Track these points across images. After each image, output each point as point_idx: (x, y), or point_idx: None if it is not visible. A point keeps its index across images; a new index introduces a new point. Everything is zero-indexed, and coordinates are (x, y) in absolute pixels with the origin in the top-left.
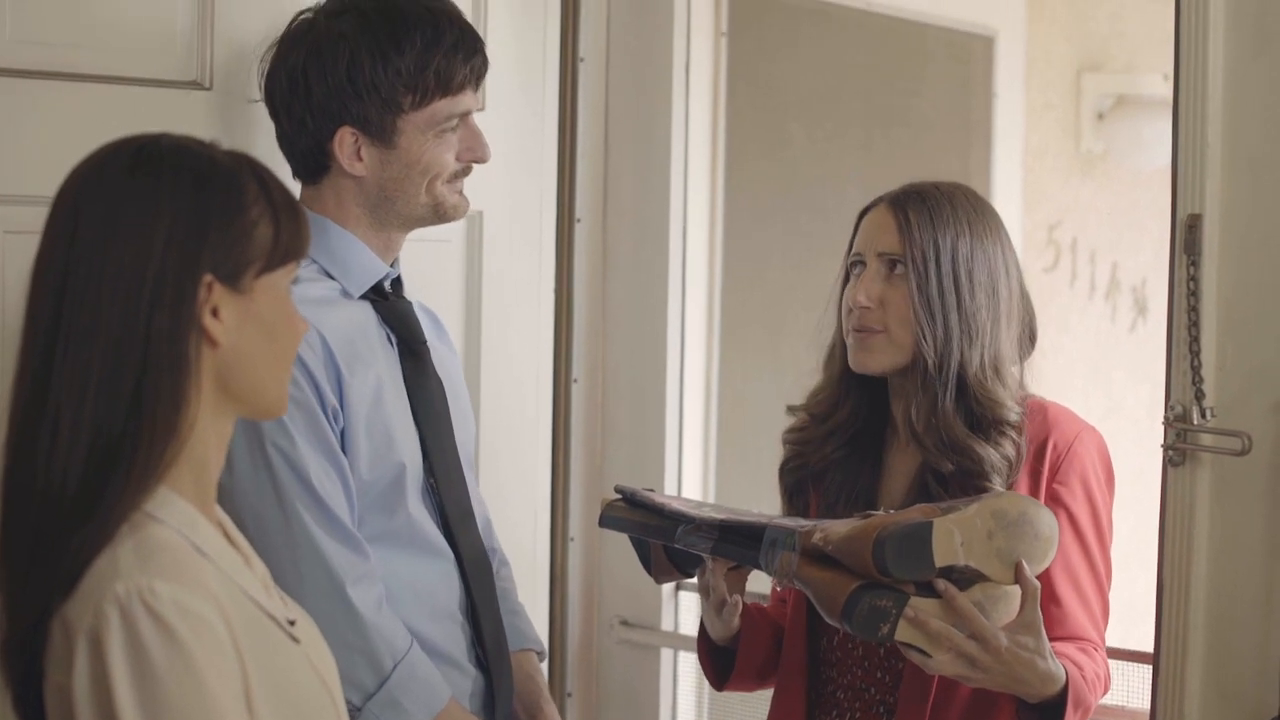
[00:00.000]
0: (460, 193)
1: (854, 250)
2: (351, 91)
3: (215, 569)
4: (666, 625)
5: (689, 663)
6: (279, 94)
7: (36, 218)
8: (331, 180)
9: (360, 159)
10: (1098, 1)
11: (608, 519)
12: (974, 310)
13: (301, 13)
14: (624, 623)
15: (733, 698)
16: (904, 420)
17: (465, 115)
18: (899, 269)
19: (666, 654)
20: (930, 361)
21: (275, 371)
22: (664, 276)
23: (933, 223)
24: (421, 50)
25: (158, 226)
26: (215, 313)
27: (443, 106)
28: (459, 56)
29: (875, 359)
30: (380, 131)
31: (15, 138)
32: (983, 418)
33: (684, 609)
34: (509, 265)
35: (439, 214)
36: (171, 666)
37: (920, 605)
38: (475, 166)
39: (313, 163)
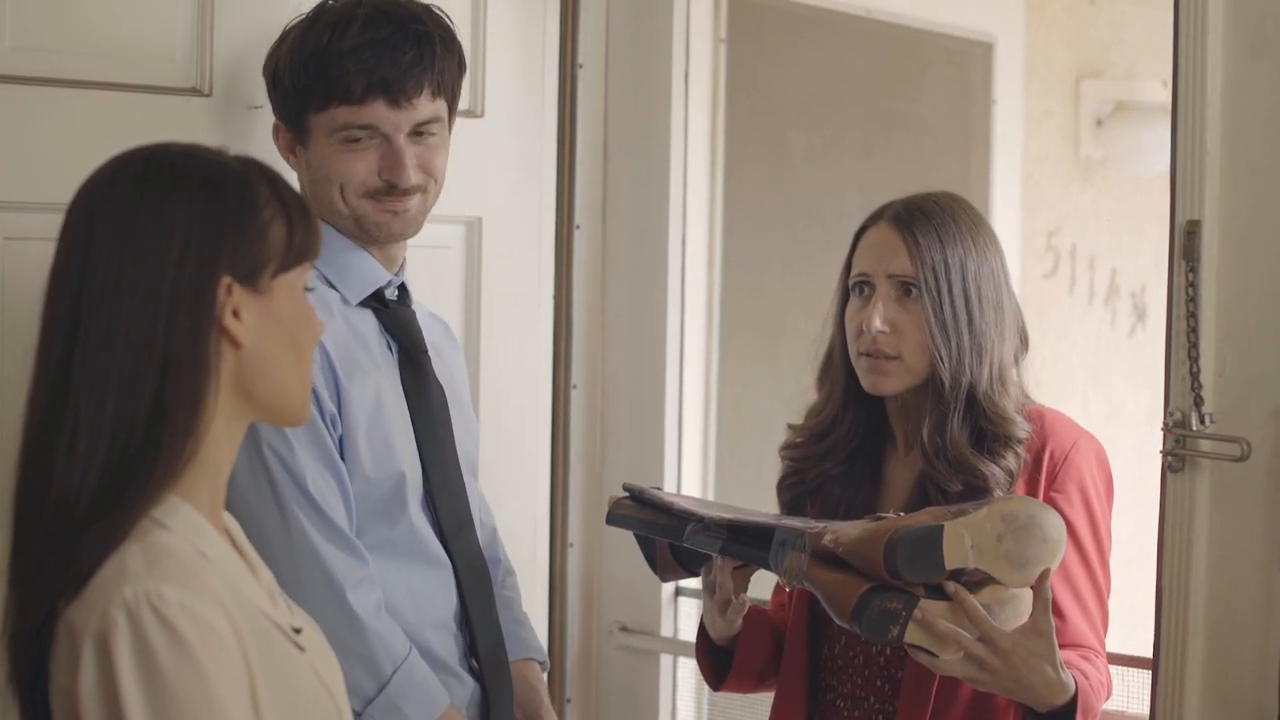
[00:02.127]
0: (392, 212)
1: (858, 270)
2: (271, 81)
3: (221, 576)
4: (666, 631)
5: (688, 668)
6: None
7: (37, 224)
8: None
9: (294, 154)
10: (1097, 8)
11: (615, 516)
12: (983, 328)
13: None
14: (623, 629)
15: (733, 704)
16: (911, 437)
17: (385, 131)
18: (912, 292)
19: (666, 660)
20: (946, 384)
21: (298, 372)
22: (663, 283)
23: (941, 242)
24: (327, 47)
25: (174, 232)
26: (236, 314)
27: (343, 114)
28: (363, 75)
29: (890, 383)
30: (299, 128)
31: (16, 145)
32: (989, 433)
33: (683, 615)
34: (508, 271)
35: (362, 228)
36: (179, 671)
37: (929, 607)
38: (473, 172)
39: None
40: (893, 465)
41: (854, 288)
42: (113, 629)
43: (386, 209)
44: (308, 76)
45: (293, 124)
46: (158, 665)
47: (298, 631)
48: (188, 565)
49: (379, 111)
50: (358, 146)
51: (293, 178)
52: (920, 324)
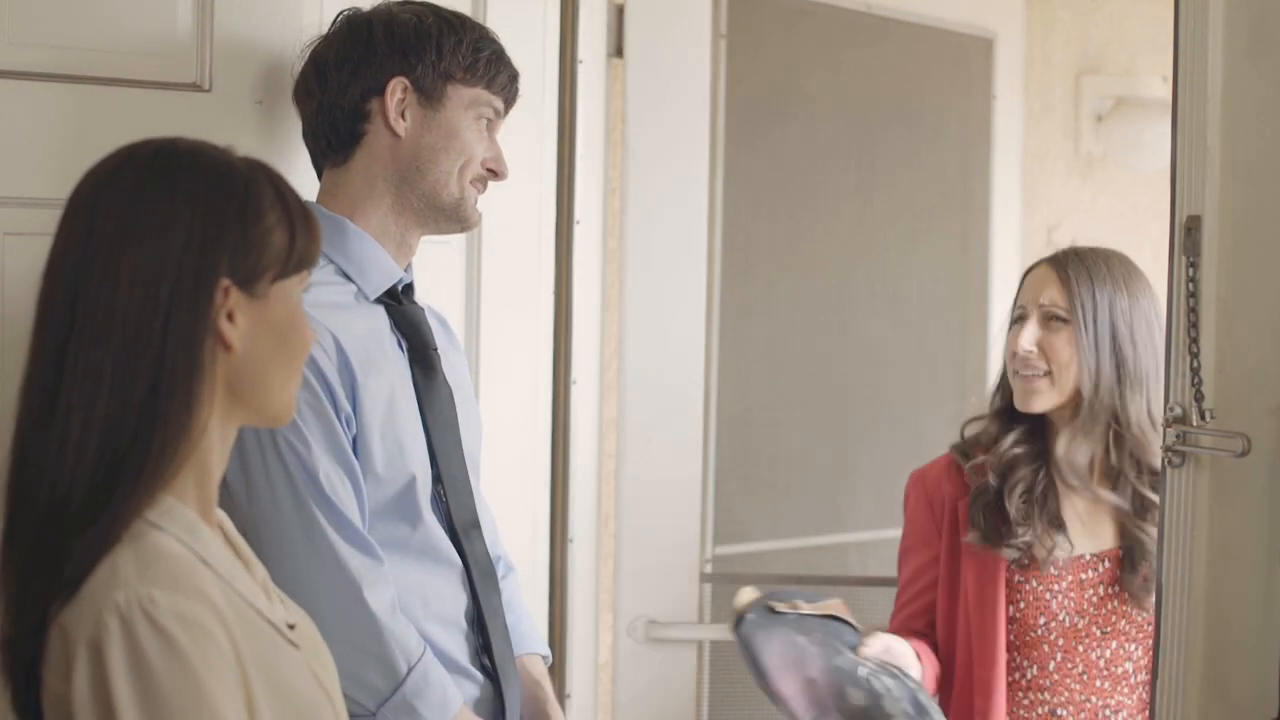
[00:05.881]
0: (477, 202)
1: (1018, 304)
2: (415, 42)
3: (215, 577)
4: (675, 629)
5: (690, 664)
6: (338, 45)
7: (36, 220)
8: (364, 149)
9: (403, 118)
10: (1097, 4)
11: (746, 633)
12: (1135, 360)
13: None
14: (627, 626)
15: (733, 698)
16: (1065, 457)
17: (493, 126)
18: (1057, 318)
19: (669, 656)
20: (1092, 403)
21: (285, 377)
22: (663, 278)
23: (1090, 279)
24: (481, 40)
25: (175, 229)
26: (230, 317)
27: (483, 95)
28: (507, 72)
29: (1040, 400)
30: (430, 91)
31: (15, 140)
32: (1143, 464)
33: (684, 612)
34: (509, 267)
35: (460, 211)
36: (172, 675)
37: None
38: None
39: (347, 131)
40: (1068, 492)
41: (1014, 321)
42: (105, 635)
43: (477, 196)
44: (466, 48)
45: (425, 84)
46: (151, 671)
47: (291, 628)
48: (180, 568)
49: (498, 109)
50: (483, 127)
51: (293, 176)
52: (1066, 346)
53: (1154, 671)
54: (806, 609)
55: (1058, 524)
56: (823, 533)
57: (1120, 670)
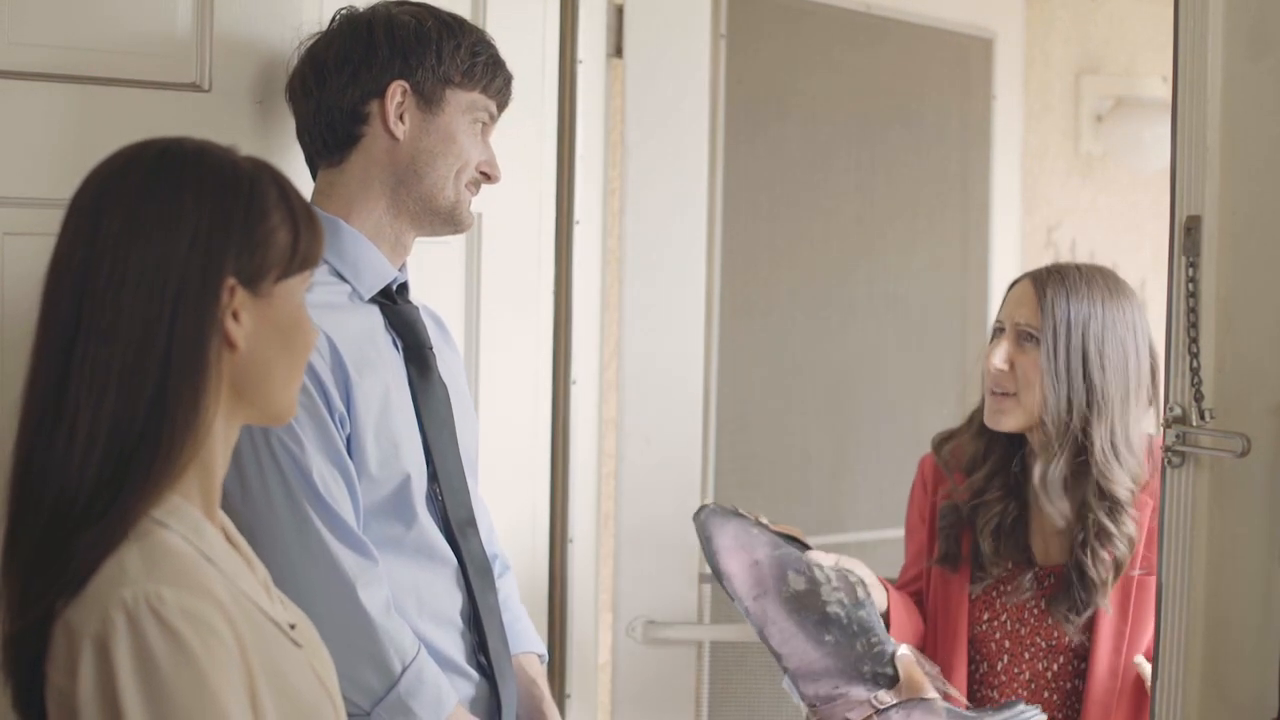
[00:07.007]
0: (470, 205)
1: (997, 319)
2: (416, 45)
3: (220, 574)
4: (674, 629)
5: (689, 664)
6: (337, 45)
7: (36, 220)
8: (361, 151)
9: (402, 121)
10: (1097, 4)
11: (702, 521)
12: (1103, 385)
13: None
14: (628, 625)
15: (733, 698)
16: (1039, 478)
17: (487, 129)
18: (1031, 339)
19: (668, 656)
20: (1055, 426)
21: (288, 377)
22: (663, 278)
23: (1068, 299)
24: (478, 44)
25: (182, 228)
26: (236, 316)
27: (480, 99)
28: (502, 76)
29: (1007, 420)
30: (429, 95)
31: (14, 140)
32: (1104, 490)
33: (683, 612)
34: (509, 267)
35: (456, 214)
36: (178, 672)
37: None
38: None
39: (344, 132)
40: (1036, 513)
41: (993, 334)
42: (112, 631)
43: (471, 199)
44: (464, 52)
45: (424, 88)
46: (157, 668)
47: (293, 627)
48: (187, 566)
49: (492, 113)
50: (478, 132)
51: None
52: (1034, 365)
53: (1154, 671)
54: (766, 522)
55: (1027, 557)
56: (823, 533)
57: (1069, 686)
